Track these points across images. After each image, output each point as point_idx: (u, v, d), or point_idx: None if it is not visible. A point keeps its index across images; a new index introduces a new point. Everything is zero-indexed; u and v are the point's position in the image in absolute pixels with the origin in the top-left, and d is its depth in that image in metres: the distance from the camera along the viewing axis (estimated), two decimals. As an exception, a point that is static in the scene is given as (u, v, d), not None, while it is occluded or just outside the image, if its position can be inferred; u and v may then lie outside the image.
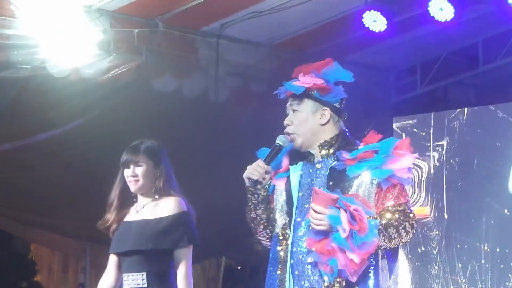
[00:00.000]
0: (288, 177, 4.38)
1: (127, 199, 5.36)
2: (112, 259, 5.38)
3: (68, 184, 8.84)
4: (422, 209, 9.25)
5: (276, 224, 4.38)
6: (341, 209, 4.01)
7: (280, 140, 4.34)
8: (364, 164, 4.19)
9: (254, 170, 4.30)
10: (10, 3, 7.70)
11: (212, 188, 9.45)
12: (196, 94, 9.04)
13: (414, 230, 4.16)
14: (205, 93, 9.08)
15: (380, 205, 4.17)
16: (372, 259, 4.12)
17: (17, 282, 11.36)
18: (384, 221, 4.07)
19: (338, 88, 4.34)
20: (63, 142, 8.63)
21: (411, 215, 4.14)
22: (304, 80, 4.30)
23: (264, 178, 4.31)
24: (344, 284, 4.08)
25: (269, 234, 4.46)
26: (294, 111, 4.36)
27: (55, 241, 10.47)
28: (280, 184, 4.40)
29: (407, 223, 4.10)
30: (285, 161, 4.42)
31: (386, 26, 8.16)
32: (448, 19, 7.96)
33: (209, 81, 9.04)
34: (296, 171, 4.36)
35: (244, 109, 9.36)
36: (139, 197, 5.31)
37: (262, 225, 4.47)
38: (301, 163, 4.35)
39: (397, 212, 4.11)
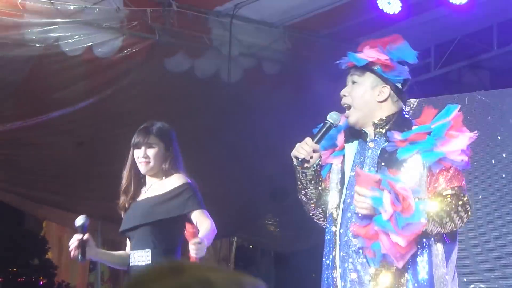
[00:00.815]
0: (344, 156, 4.30)
1: (139, 180, 5.39)
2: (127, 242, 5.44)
3: (80, 163, 8.86)
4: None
5: (330, 204, 4.30)
6: (384, 190, 3.91)
7: (331, 117, 4.25)
8: (415, 147, 4.09)
9: (301, 149, 4.21)
10: (25, -18, 7.72)
11: (225, 169, 9.46)
12: (209, 74, 9.04)
13: (469, 214, 4.03)
14: (217, 73, 9.07)
15: (432, 189, 4.06)
16: (424, 243, 4.04)
17: (28, 259, 11.38)
18: (434, 206, 3.96)
19: (403, 67, 4.25)
20: (74, 120, 8.65)
21: (465, 199, 4.02)
22: (369, 54, 4.19)
23: (311, 157, 4.22)
24: (393, 271, 4.01)
25: (322, 214, 4.39)
26: (353, 82, 4.26)
27: (66, 219, 10.47)
28: (336, 163, 4.33)
29: (460, 207, 3.98)
30: (340, 139, 4.36)
31: (400, 8, 8.15)
32: (463, 2, 7.95)
33: (221, 62, 9.02)
34: (351, 150, 4.27)
35: (257, 90, 9.34)
36: (147, 178, 5.35)
37: (312, 205, 4.40)
38: (356, 141, 4.26)
39: (449, 196, 4.00)
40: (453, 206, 3.98)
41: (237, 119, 9.20)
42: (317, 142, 4.22)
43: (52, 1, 7.84)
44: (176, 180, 5.27)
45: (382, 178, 3.94)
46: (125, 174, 5.38)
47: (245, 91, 9.23)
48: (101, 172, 8.55)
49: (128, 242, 5.41)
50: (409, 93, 9.36)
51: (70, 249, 5.21)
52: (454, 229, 4.05)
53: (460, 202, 4.00)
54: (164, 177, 5.30)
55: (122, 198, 5.38)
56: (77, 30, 8.09)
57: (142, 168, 5.29)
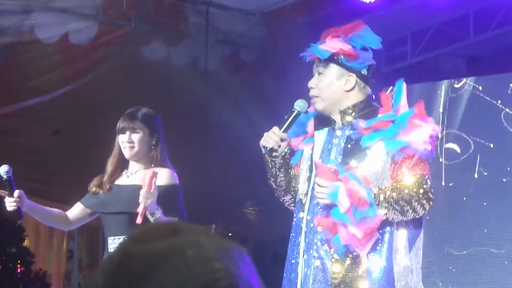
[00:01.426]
0: (314, 143, 4.32)
1: (123, 165, 5.38)
2: (78, 209, 5.43)
3: (56, 150, 8.83)
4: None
5: (299, 190, 4.31)
6: (341, 183, 3.95)
7: (297, 105, 4.27)
8: (378, 134, 4.13)
9: (269, 138, 4.23)
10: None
11: (203, 157, 9.45)
12: (186, 62, 9.03)
13: (431, 203, 4.05)
14: (194, 61, 9.07)
15: (395, 176, 4.08)
16: (385, 229, 4.06)
17: (6, 248, 11.35)
18: (395, 194, 3.98)
19: (366, 54, 4.27)
20: (51, 108, 8.62)
21: (426, 186, 4.03)
22: (331, 44, 4.20)
23: (279, 146, 4.23)
24: (354, 258, 4.04)
25: (292, 200, 4.41)
26: (319, 73, 4.28)
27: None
28: (307, 150, 4.35)
29: (421, 195, 4.00)
30: (311, 126, 4.38)
31: (376, -4, 8.16)
32: (438, -10, 7.97)
33: (198, 49, 9.01)
34: (320, 137, 4.29)
35: (234, 78, 9.34)
36: (131, 163, 5.35)
37: (282, 192, 4.42)
38: (326, 128, 4.29)
39: (411, 184, 4.02)
40: (414, 194, 4.00)
41: (215, 107, 9.20)
42: (285, 131, 4.24)
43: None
44: (165, 176, 5.25)
45: (338, 169, 3.98)
46: (111, 159, 5.40)
47: (222, 78, 9.23)
48: (79, 160, 8.53)
49: (75, 208, 5.42)
50: (386, 82, 9.43)
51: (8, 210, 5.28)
52: (417, 217, 4.07)
53: (422, 190, 4.03)
54: (153, 165, 5.29)
55: (105, 178, 5.37)
56: (52, 18, 8.05)
57: (127, 153, 5.30)
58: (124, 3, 8.37)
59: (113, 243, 5.24)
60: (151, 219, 4.97)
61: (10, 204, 5.24)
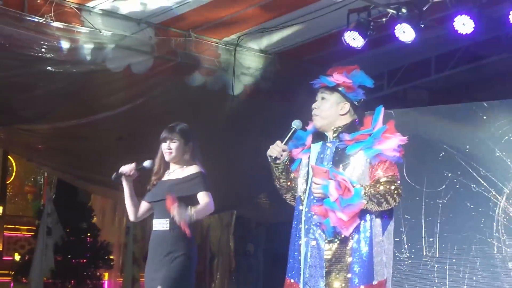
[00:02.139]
0: (310, 153, 4.31)
1: (165, 166, 5.41)
2: (143, 205, 5.45)
3: (118, 153, 8.85)
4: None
5: (298, 189, 4.32)
6: (331, 180, 3.99)
7: (294, 124, 4.27)
8: (359, 145, 4.11)
9: (273, 149, 4.24)
10: (81, 16, 7.71)
11: (228, 159, 9.48)
12: (218, 88, 9.07)
13: (400, 197, 4.04)
14: (224, 87, 9.10)
15: (373, 177, 4.09)
16: (365, 217, 4.07)
17: (79, 223, 11.40)
18: (373, 190, 3.99)
19: (360, 90, 4.27)
20: (115, 121, 8.66)
21: (396, 184, 4.03)
22: (336, 77, 4.21)
23: (281, 155, 4.25)
24: (342, 238, 4.05)
25: (292, 197, 4.41)
26: (322, 98, 4.26)
27: (108, 193, 10.52)
28: (305, 158, 4.33)
29: (393, 191, 4.00)
30: (309, 140, 4.36)
31: (363, 43, 8.14)
32: (409, 40, 7.94)
33: (227, 79, 9.05)
34: (315, 148, 4.28)
35: (254, 101, 9.37)
36: (171, 165, 5.38)
37: (284, 191, 4.43)
38: (320, 142, 4.28)
39: (384, 182, 4.02)
40: (388, 190, 4.01)
41: (239, 122, 9.23)
42: (285, 144, 4.26)
43: (101, 31, 7.84)
44: (193, 169, 5.31)
45: (329, 170, 4.01)
46: (156, 161, 5.43)
47: (245, 101, 9.27)
48: (134, 160, 8.53)
49: (143, 203, 5.44)
50: (366, 107, 9.36)
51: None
52: (389, 207, 4.08)
53: (393, 187, 4.02)
54: (185, 166, 5.34)
55: (152, 178, 5.42)
56: (119, 53, 8.09)
57: (167, 157, 5.35)
58: (173, 43, 8.41)
59: (155, 223, 5.29)
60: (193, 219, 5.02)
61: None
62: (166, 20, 8.20)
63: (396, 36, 7.96)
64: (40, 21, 7.39)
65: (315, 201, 4.12)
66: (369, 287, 4.05)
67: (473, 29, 7.68)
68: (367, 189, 4.01)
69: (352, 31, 8.09)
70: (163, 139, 5.36)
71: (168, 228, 5.21)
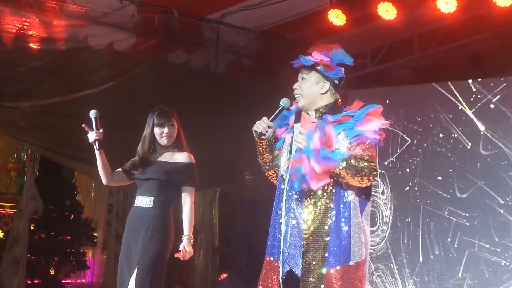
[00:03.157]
0: (293, 132, 4.31)
1: (154, 148, 5.41)
2: (120, 174, 5.47)
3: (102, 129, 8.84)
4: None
5: (281, 168, 4.33)
6: (316, 130, 3.99)
7: (282, 102, 4.27)
8: (341, 126, 4.10)
9: (259, 125, 4.24)
10: (62, -8, 7.68)
11: (211, 137, 9.46)
12: (200, 66, 9.04)
13: (371, 178, 4.03)
14: (207, 65, 9.08)
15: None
16: (344, 197, 4.07)
17: (62, 200, 11.36)
18: (354, 160, 3.98)
19: (340, 68, 4.22)
20: (98, 98, 8.61)
21: (372, 164, 4.02)
22: (315, 56, 4.18)
23: (267, 131, 4.24)
24: (321, 218, 4.06)
25: (274, 175, 4.43)
26: (302, 78, 4.26)
27: (91, 171, 10.46)
28: (288, 138, 4.35)
29: (366, 169, 3.99)
30: (292, 120, 4.37)
31: (345, 21, 8.13)
32: (392, 18, 7.94)
33: (210, 57, 9.02)
34: (298, 128, 4.29)
35: (237, 79, 9.34)
36: (159, 148, 5.37)
37: (267, 167, 4.43)
38: None
39: (361, 160, 4.00)
40: (362, 167, 4.00)
41: (222, 100, 9.20)
42: (272, 120, 4.25)
43: (83, 7, 7.78)
44: (185, 157, 5.37)
45: (318, 122, 4.03)
46: (144, 147, 5.41)
47: (227, 79, 9.24)
48: (117, 137, 8.52)
49: (118, 172, 5.47)
50: (349, 86, 9.37)
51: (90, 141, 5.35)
52: (361, 184, 4.05)
53: (366, 164, 4.00)
54: (176, 150, 5.35)
55: (140, 160, 5.40)
56: (101, 30, 8.05)
57: (165, 142, 5.38)
58: (156, 21, 8.36)
59: (139, 199, 5.31)
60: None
61: (93, 136, 5.29)
62: (149, -3, 8.17)
63: (379, 14, 7.96)
64: (22, -3, 7.35)
65: (296, 180, 4.11)
66: (345, 267, 4.05)
67: (455, 8, 7.69)
68: (351, 158, 4.00)
69: (335, 9, 8.08)
70: (161, 124, 5.36)
71: (151, 207, 5.25)
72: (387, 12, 7.89)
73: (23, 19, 7.44)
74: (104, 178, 5.45)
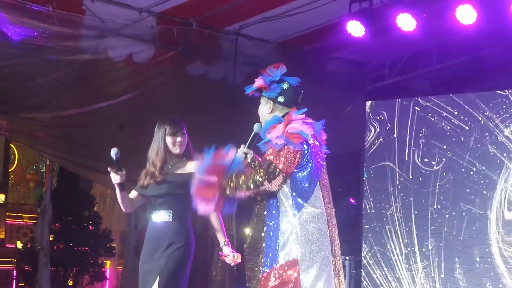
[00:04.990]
0: None
1: (166, 159, 5.35)
2: (137, 197, 5.41)
3: (120, 141, 8.82)
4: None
5: None
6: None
7: (255, 128, 4.43)
8: (266, 138, 4.28)
9: (239, 151, 4.34)
10: (82, 4, 7.68)
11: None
12: (219, 77, 9.03)
13: (272, 181, 4.16)
14: (225, 77, 9.06)
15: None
16: (272, 204, 4.24)
17: (81, 211, 11.40)
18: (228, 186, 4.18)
19: (275, 85, 4.42)
20: (117, 110, 8.63)
21: (271, 168, 4.15)
22: (256, 83, 4.47)
23: (245, 157, 4.34)
24: (259, 227, 4.28)
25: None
26: (259, 103, 4.51)
27: (109, 182, 10.47)
28: None
29: (263, 173, 4.15)
30: None
31: (364, 33, 8.10)
32: (411, 29, 7.90)
33: (229, 68, 9.01)
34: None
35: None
36: (169, 158, 5.32)
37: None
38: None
39: (258, 166, 4.18)
40: (259, 172, 4.16)
41: (238, 111, 9.17)
42: (248, 147, 4.37)
43: (102, 19, 7.81)
44: (195, 168, 5.25)
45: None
46: (158, 157, 5.33)
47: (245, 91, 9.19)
48: (135, 148, 8.52)
49: (133, 192, 5.41)
50: (369, 96, 9.31)
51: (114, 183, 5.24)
52: (270, 188, 4.20)
53: (267, 170, 4.16)
54: (184, 158, 5.30)
55: (156, 172, 5.30)
56: (120, 42, 8.07)
57: (178, 150, 5.31)
58: (175, 32, 8.37)
59: (157, 215, 5.25)
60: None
61: (116, 178, 5.18)
62: (168, 9, 8.15)
63: (398, 25, 7.93)
64: (42, 9, 7.36)
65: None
66: (272, 270, 4.17)
67: (475, 19, 7.65)
68: (232, 178, 4.18)
69: (354, 21, 8.06)
70: (173, 134, 5.30)
71: (171, 220, 5.20)
72: (406, 23, 7.85)
73: (43, 30, 7.47)
74: (125, 209, 5.44)
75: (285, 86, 4.42)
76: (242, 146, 4.35)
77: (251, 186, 4.13)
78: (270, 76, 4.42)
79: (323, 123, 4.48)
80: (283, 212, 4.22)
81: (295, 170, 4.25)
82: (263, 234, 4.22)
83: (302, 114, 4.36)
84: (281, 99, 4.40)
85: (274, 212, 4.23)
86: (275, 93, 4.41)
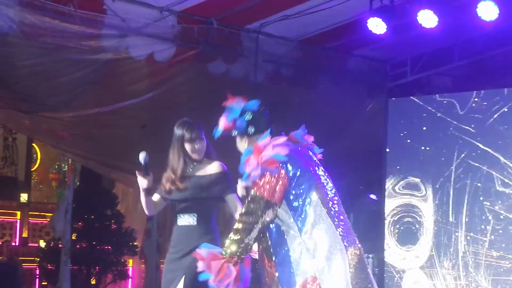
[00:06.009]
0: None
1: (186, 163, 5.33)
2: (160, 201, 5.36)
3: (141, 140, 8.88)
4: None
5: None
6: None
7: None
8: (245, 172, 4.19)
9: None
10: (103, 4, 7.71)
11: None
12: (240, 75, 9.02)
13: (263, 214, 4.03)
14: (246, 75, 9.05)
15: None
16: (270, 232, 4.10)
17: (103, 210, 11.46)
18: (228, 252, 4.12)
19: (240, 121, 4.29)
20: (138, 109, 8.67)
21: (246, 201, 4.08)
22: (220, 125, 4.33)
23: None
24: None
25: None
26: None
27: (131, 181, 10.54)
28: None
29: (251, 219, 4.04)
30: None
31: (385, 29, 8.08)
32: (432, 26, 7.87)
33: (249, 66, 9.00)
34: None
35: (275, 88, 9.32)
36: (189, 161, 5.29)
37: None
38: None
39: (239, 220, 4.08)
40: (243, 228, 4.07)
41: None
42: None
43: (123, 18, 7.84)
44: (216, 167, 5.22)
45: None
46: (178, 163, 5.24)
47: (266, 88, 9.21)
48: (157, 147, 8.54)
49: (156, 195, 5.34)
50: (390, 94, 9.27)
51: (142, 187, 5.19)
52: (267, 219, 4.07)
53: (245, 218, 4.07)
54: (205, 161, 5.27)
55: (177, 178, 5.22)
56: (142, 41, 8.09)
57: (197, 156, 5.23)
58: (195, 31, 8.39)
59: (182, 218, 5.24)
60: None
61: (144, 182, 5.14)
62: (188, 8, 8.17)
63: (419, 22, 7.90)
64: (63, 9, 7.40)
65: None
66: None
67: (497, 15, 7.61)
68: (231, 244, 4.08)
69: (375, 18, 8.04)
70: (192, 140, 5.26)
71: (195, 223, 5.20)
72: (427, 20, 7.82)
73: (65, 30, 7.51)
74: (148, 212, 5.44)
75: (248, 116, 4.31)
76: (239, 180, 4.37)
77: (258, 212, 4.03)
78: (231, 113, 4.33)
79: (303, 127, 4.35)
80: (279, 236, 4.08)
81: (291, 197, 4.09)
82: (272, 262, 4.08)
83: (267, 137, 4.19)
84: (251, 130, 4.28)
85: (275, 237, 4.09)
86: (243, 127, 4.29)
